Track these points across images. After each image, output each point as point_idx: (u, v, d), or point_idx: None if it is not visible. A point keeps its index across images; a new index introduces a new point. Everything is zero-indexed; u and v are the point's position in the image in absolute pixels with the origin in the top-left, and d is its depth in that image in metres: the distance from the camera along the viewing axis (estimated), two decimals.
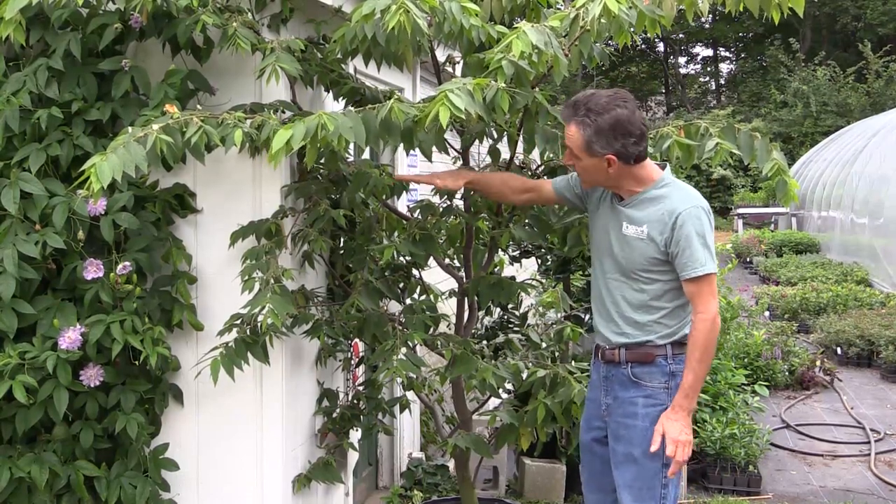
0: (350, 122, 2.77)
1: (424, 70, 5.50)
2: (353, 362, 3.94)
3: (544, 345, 4.05)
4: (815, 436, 6.71)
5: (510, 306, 4.93)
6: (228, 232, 3.31)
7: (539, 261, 5.80)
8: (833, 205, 16.54)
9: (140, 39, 3.35)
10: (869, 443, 6.47)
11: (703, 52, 41.46)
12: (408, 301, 3.71)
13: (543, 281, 5.42)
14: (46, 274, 3.23)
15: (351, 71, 3.70)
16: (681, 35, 37.16)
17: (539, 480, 5.18)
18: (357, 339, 3.75)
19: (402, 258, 3.64)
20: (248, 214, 3.37)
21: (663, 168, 3.05)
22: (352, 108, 2.99)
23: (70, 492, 3.24)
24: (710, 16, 32.58)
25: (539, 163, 3.65)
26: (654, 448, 2.94)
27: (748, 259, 16.88)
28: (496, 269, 3.92)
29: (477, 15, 3.01)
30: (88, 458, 3.28)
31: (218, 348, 3.14)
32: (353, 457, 4.05)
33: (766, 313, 10.28)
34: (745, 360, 7.56)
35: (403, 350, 3.28)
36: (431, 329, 3.56)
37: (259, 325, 3.09)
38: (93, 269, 3.12)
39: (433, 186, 3.42)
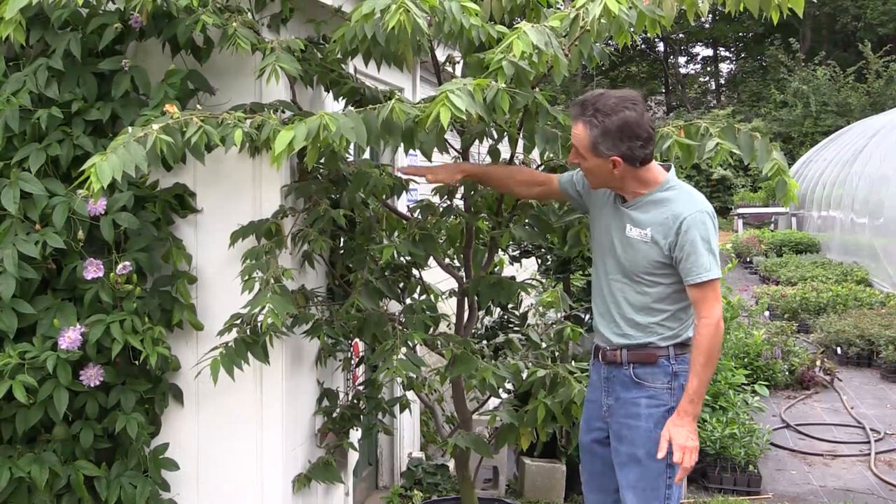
0: (351, 123, 2.77)
1: (424, 70, 5.49)
2: (353, 362, 3.94)
3: (544, 345, 4.05)
4: (815, 435, 6.71)
5: (510, 306, 4.93)
6: (228, 232, 3.31)
7: (539, 261, 5.80)
8: (833, 204, 16.54)
9: (140, 39, 3.35)
10: (869, 442, 6.47)
11: (703, 51, 41.47)
12: (408, 301, 3.71)
13: (543, 281, 5.42)
14: (46, 274, 3.23)
15: (351, 71, 3.70)
16: (681, 35, 37.15)
17: (539, 480, 5.18)
18: (357, 339, 3.76)
19: (402, 258, 3.64)
20: (248, 214, 3.37)
21: (668, 170, 3.04)
22: (352, 109, 2.99)
23: (70, 492, 3.24)
24: (710, 16, 32.58)
25: (539, 162, 3.65)
26: (660, 455, 2.94)
27: (748, 259, 16.88)
28: (496, 269, 3.92)
29: (477, 15, 3.01)
30: (88, 458, 3.28)
31: (218, 348, 3.14)
32: (353, 456, 4.05)
33: (766, 313, 10.28)
34: (745, 359, 7.57)
35: (403, 350, 3.28)
36: (431, 329, 3.56)
37: (259, 324, 3.09)
38: (93, 269, 3.12)
39: (435, 184, 3.42)
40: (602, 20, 2.91)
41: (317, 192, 3.38)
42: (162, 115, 2.98)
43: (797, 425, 6.92)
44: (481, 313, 4.10)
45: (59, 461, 3.21)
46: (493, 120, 2.97)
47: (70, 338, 3.05)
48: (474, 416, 3.87)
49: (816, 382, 8.07)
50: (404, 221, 3.62)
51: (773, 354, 7.87)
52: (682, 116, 27.66)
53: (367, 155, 4.32)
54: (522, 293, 3.68)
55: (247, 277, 3.15)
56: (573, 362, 3.79)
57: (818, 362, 8.24)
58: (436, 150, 3.13)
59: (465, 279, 3.66)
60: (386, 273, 3.65)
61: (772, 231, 19.24)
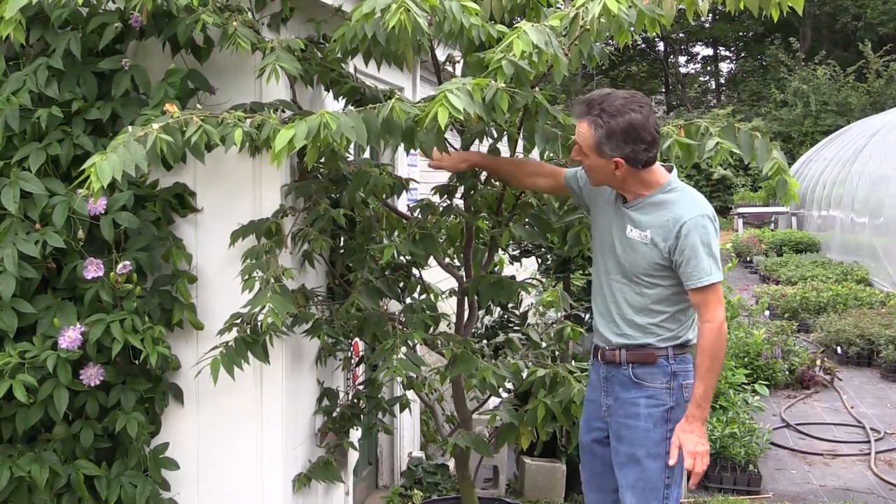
0: (352, 122, 2.77)
1: (424, 69, 5.49)
2: (353, 361, 3.94)
3: (544, 344, 4.05)
4: (815, 435, 6.71)
5: (510, 305, 4.94)
6: (228, 231, 3.31)
7: (539, 260, 5.80)
8: (833, 204, 16.54)
9: (140, 39, 3.35)
10: (869, 442, 6.47)
11: (703, 51, 41.47)
12: (408, 300, 3.71)
13: (543, 280, 5.42)
14: (46, 273, 3.23)
15: (351, 70, 3.70)
16: (681, 34, 37.14)
17: (539, 480, 5.18)
18: (357, 339, 3.76)
19: (402, 257, 3.64)
20: (249, 214, 3.37)
21: (670, 171, 3.03)
22: (352, 108, 2.99)
23: (70, 491, 3.24)
24: (710, 15, 32.60)
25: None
26: (672, 461, 2.95)
27: (748, 258, 16.88)
28: (496, 269, 3.92)
29: (477, 14, 3.01)
30: (88, 458, 3.28)
31: (218, 347, 3.14)
32: (353, 456, 4.05)
33: (766, 312, 10.28)
34: (746, 359, 7.57)
35: (403, 349, 3.28)
36: (431, 328, 3.56)
37: (259, 324, 3.09)
38: (93, 269, 3.12)
39: (438, 170, 3.41)
40: (602, 19, 2.90)
41: (317, 192, 3.38)
42: (162, 115, 2.98)
43: (797, 425, 6.92)
44: (481, 313, 4.11)
45: (60, 460, 3.21)
46: (492, 119, 2.97)
47: (70, 337, 3.05)
48: (474, 416, 3.87)
49: (816, 382, 8.07)
50: (404, 221, 3.62)
51: (773, 354, 7.87)
52: (682, 116, 27.64)
53: (366, 154, 4.32)
54: (522, 292, 3.68)
55: (247, 277, 3.15)
56: (573, 362, 3.79)
57: (818, 362, 8.24)
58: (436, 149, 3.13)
59: (465, 278, 3.66)
60: (386, 272, 3.65)
61: (772, 230, 19.24)
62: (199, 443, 3.49)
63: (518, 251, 5.47)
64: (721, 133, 3.20)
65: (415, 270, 3.77)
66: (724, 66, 41.04)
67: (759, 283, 13.83)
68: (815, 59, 28.81)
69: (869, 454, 6.23)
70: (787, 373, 7.98)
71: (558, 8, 3.33)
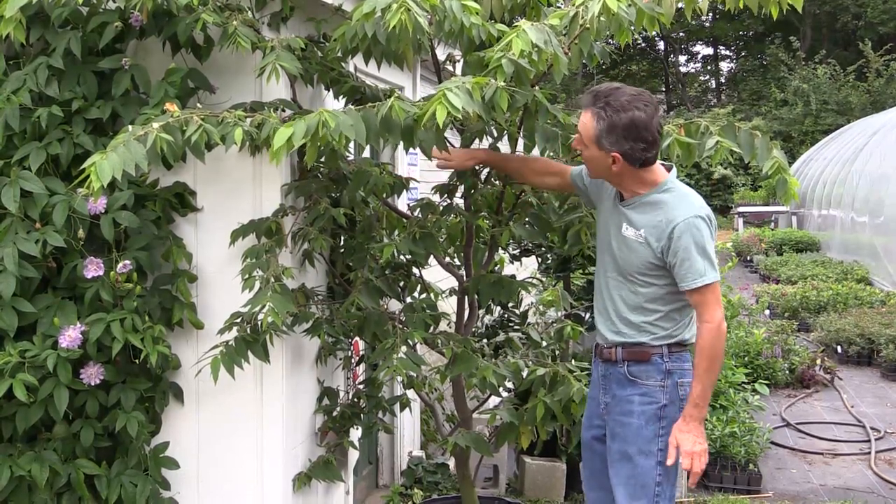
0: (351, 121, 2.77)
1: (425, 69, 5.49)
2: (353, 361, 3.94)
3: (544, 343, 4.05)
4: (815, 434, 6.71)
5: (510, 305, 4.93)
6: (229, 230, 3.31)
7: (539, 259, 5.80)
8: (833, 203, 16.54)
9: (140, 38, 3.35)
10: (869, 441, 6.47)
11: (703, 50, 41.48)
12: (408, 299, 3.71)
13: (544, 279, 5.42)
14: (47, 272, 3.23)
15: (351, 69, 3.70)
16: (681, 33, 37.15)
17: (539, 479, 5.18)
18: (357, 338, 3.76)
19: (402, 256, 3.64)
20: (249, 213, 3.37)
21: (669, 170, 3.03)
22: (352, 107, 2.99)
23: (70, 490, 3.24)
24: (711, 14, 32.61)
25: None
26: (669, 462, 2.94)
27: (748, 258, 16.88)
28: (496, 268, 3.91)
29: (477, 13, 3.01)
30: (89, 457, 3.28)
31: (218, 347, 3.14)
32: (353, 455, 4.06)
33: (767, 312, 10.28)
34: (746, 358, 7.57)
35: (404, 348, 3.28)
36: (432, 327, 3.56)
37: (259, 323, 3.09)
38: (93, 268, 3.12)
39: (446, 169, 3.40)
40: (601, 18, 2.90)
41: (317, 191, 3.37)
42: (162, 114, 2.98)
43: (797, 424, 6.92)
44: (481, 312, 4.10)
45: (60, 460, 3.21)
46: (492, 118, 2.97)
47: (70, 336, 3.05)
48: (474, 415, 3.87)
49: (817, 381, 8.07)
50: (404, 220, 3.62)
51: (773, 353, 7.87)
52: (682, 115, 27.62)
53: (366, 153, 4.32)
54: (523, 292, 3.68)
55: (247, 276, 3.15)
56: (573, 361, 3.79)
57: (818, 361, 8.24)
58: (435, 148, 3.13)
59: (465, 278, 3.66)
60: (386, 272, 3.65)
61: (772, 230, 19.24)
62: (199, 442, 3.49)
63: (518, 250, 5.47)
64: (721, 132, 3.20)
65: (415, 269, 3.77)
66: (725, 66, 41.07)
67: (760, 283, 13.84)
68: (815, 58, 28.81)
69: (869, 453, 6.23)
70: (787, 372, 7.98)
71: (558, 7, 3.33)
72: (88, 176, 2.66)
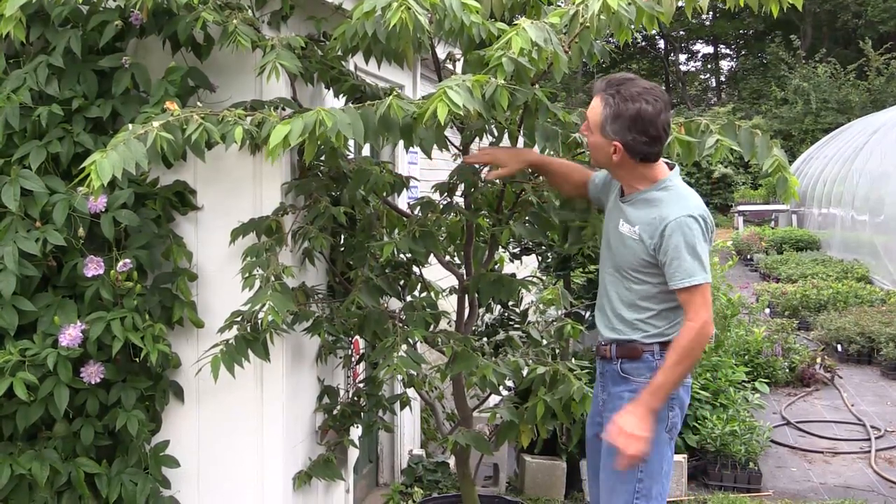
0: (348, 119, 2.77)
1: (425, 67, 5.49)
2: (353, 359, 3.94)
3: (545, 342, 4.04)
4: (815, 433, 6.71)
5: (510, 303, 4.93)
6: (229, 229, 3.31)
7: (539, 258, 5.80)
8: (833, 202, 16.54)
9: (140, 36, 3.35)
10: (869, 440, 6.47)
11: (703, 49, 41.49)
12: (408, 298, 3.71)
13: (544, 278, 5.42)
14: (47, 271, 3.23)
15: (351, 68, 3.70)
16: (681, 32, 37.15)
17: (539, 477, 5.18)
18: (357, 337, 3.75)
19: (402, 255, 3.63)
20: (249, 212, 3.37)
21: (672, 168, 3.01)
22: (351, 105, 2.99)
23: (71, 489, 3.24)
24: (711, 13, 32.61)
25: None
26: (606, 436, 2.92)
27: (748, 256, 16.88)
28: (496, 267, 3.92)
29: (477, 12, 3.01)
30: (89, 455, 3.28)
31: (218, 345, 3.14)
32: (353, 454, 4.06)
33: (767, 310, 10.28)
34: (746, 357, 7.58)
35: (404, 347, 3.28)
36: (432, 326, 3.56)
37: (259, 322, 3.09)
38: (93, 267, 3.12)
39: (498, 177, 3.33)
40: (601, 16, 2.90)
41: (317, 190, 3.37)
42: (162, 113, 2.98)
43: (797, 422, 6.92)
44: (482, 310, 4.10)
45: (60, 458, 3.22)
46: (492, 117, 2.97)
47: (70, 335, 3.05)
48: (475, 414, 3.87)
49: (817, 380, 8.07)
50: (405, 219, 3.62)
51: (773, 352, 7.88)
52: (682, 114, 27.60)
53: (367, 152, 4.32)
54: (523, 290, 3.68)
55: (247, 275, 3.15)
56: (573, 359, 3.79)
57: (818, 359, 8.24)
58: (435, 146, 3.13)
59: (465, 276, 3.66)
60: (386, 270, 3.65)
61: (772, 228, 19.24)
62: (199, 440, 3.49)
63: (518, 249, 5.47)
64: (721, 131, 3.20)
65: (415, 268, 3.76)
66: (725, 64, 41.09)
67: (760, 281, 13.83)
68: (815, 56, 28.81)
69: (869, 452, 6.23)
70: (787, 370, 7.98)
71: (558, 5, 3.33)
72: (89, 174, 2.66)
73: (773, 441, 6.31)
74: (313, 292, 3.52)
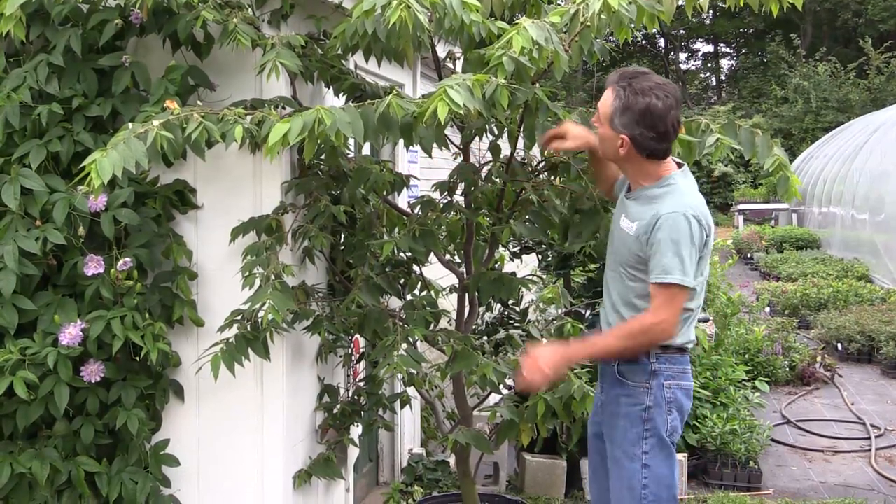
0: (348, 117, 2.77)
1: (425, 66, 5.49)
2: (353, 358, 3.94)
3: (545, 341, 4.04)
4: (815, 431, 6.71)
5: (511, 302, 4.93)
6: (229, 228, 3.31)
7: (539, 257, 5.80)
8: (834, 201, 16.54)
9: (140, 35, 3.35)
10: (869, 438, 6.48)
11: (703, 47, 41.48)
12: (408, 297, 3.71)
13: (544, 277, 5.42)
14: (47, 270, 3.23)
15: (351, 67, 3.70)
16: (681, 31, 37.15)
17: (539, 476, 5.18)
18: (357, 335, 3.76)
19: (402, 254, 3.63)
20: (249, 210, 3.37)
21: (680, 167, 2.97)
22: (350, 104, 2.99)
23: (71, 487, 3.24)
24: (711, 11, 32.60)
25: (540, 159, 3.64)
26: (522, 376, 2.93)
27: (749, 255, 16.89)
28: (497, 265, 3.92)
29: (477, 11, 3.01)
30: (89, 454, 3.28)
31: (218, 344, 3.14)
32: (353, 452, 4.06)
33: (767, 309, 10.28)
34: (746, 355, 7.58)
35: (404, 346, 3.28)
36: (432, 325, 3.56)
37: (260, 321, 3.09)
38: (93, 265, 3.12)
39: (564, 149, 3.24)
40: (602, 16, 2.90)
41: (317, 189, 3.37)
42: (162, 112, 2.98)
43: (797, 421, 6.92)
44: (482, 309, 4.09)
45: (60, 457, 3.22)
46: (492, 116, 2.96)
47: (71, 334, 3.05)
48: (475, 412, 3.87)
49: (817, 378, 8.07)
50: (405, 217, 3.62)
51: (773, 350, 7.88)
52: (682, 113, 27.62)
53: (367, 151, 4.32)
54: (523, 289, 3.68)
55: (247, 273, 3.15)
56: None
57: (819, 358, 8.25)
58: (435, 145, 3.13)
59: (465, 275, 3.66)
60: (386, 269, 3.65)
61: (772, 227, 19.24)
62: (199, 439, 3.50)
63: (518, 248, 5.47)
64: (722, 130, 3.19)
65: (415, 267, 3.76)
66: (725, 63, 41.08)
67: (760, 280, 13.83)
68: (815, 55, 28.81)
69: (869, 451, 6.23)
70: (787, 369, 7.98)
71: (559, 4, 3.33)
72: (89, 173, 2.66)
73: (773, 440, 6.32)
74: (313, 291, 3.52)
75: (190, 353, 3.43)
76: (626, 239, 2.94)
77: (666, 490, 2.95)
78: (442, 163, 5.15)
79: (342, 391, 3.93)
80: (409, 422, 5.25)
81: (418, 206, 3.58)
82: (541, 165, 3.64)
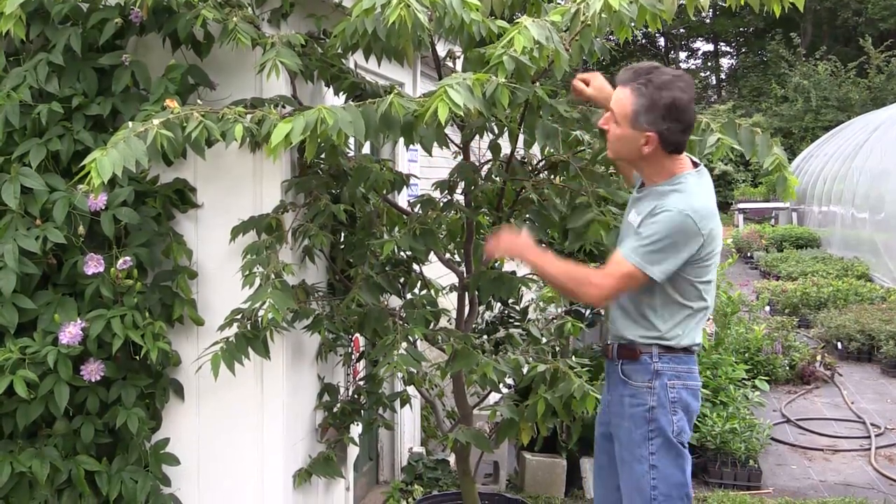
0: (349, 117, 2.77)
1: (425, 65, 5.49)
2: (353, 357, 3.94)
3: (545, 340, 4.05)
4: (815, 430, 6.72)
5: (511, 301, 4.93)
6: (229, 227, 3.31)
7: None
8: (834, 199, 16.55)
9: (140, 34, 3.34)
10: (869, 437, 6.48)
11: (703, 46, 41.48)
12: (408, 296, 3.71)
13: None
14: (47, 269, 3.23)
15: (351, 66, 3.70)
16: (681, 30, 37.14)
17: (539, 475, 5.18)
18: (357, 334, 3.76)
19: (402, 253, 3.63)
20: (249, 209, 3.37)
21: (696, 167, 2.93)
22: (351, 103, 2.99)
23: (71, 486, 3.24)
24: (711, 10, 32.56)
25: (540, 157, 3.64)
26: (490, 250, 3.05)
27: (749, 254, 16.90)
28: (497, 264, 3.92)
29: (477, 10, 3.01)
30: (89, 453, 3.28)
31: (218, 343, 3.14)
32: (353, 451, 4.06)
33: (767, 308, 10.29)
34: (746, 354, 7.58)
35: (404, 345, 3.28)
36: (432, 324, 3.56)
37: (260, 319, 3.09)
38: (93, 264, 3.12)
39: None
40: (603, 15, 2.90)
41: (317, 188, 3.37)
42: (162, 110, 2.98)
43: (797, 420, 6.93)
44: (482, 308, 4.09)
45: (60, 456, 3.22)
46: (492, 115, 2.96)
47: (70, 333, 3.05)
48: (475, 411, 3.87)
49: (817, 377, 8.07)
50: (405, 216, 3.62)
51: (773, 349, 7.88)
52: None
53: (367, 150, 4.32)
54: (523, 288, 3.68)
55: (247, 272, 3.15)
56: (573, 357, 3.78)
57: (818, 357, 8.25)
58: (436, 144, 3.13)
59: (465, 274, 3.66)
60: (386, 268, 3.65)
61: (772, 226, 19.25)
62: (199, 438, 3.50)
63: None
64: (722, 129, 3.19)
65: (415, 266, 3.77)
66: (725, 62, 41.06)
67: (760, 279, 13.83)
68: (815, 54, 28.81)
69: (869, 449, 6.23)
70: (787, 368, 7.98)
71: (559, 3, 3.33)
72: (89, 172, 2.66)
73: (773, 438, 6.31)
74: (313, 290, 3.52)
75: (190, 351, 3.43)
76: (630, 230, 2.92)
77: (676, 490, 2.92)
78: (442, 161, 5.15)
79: (342, 390, 3.93)
80: (409, 421, 5.25)
81: (418, 205, 3.58)
82: (541, 164, 3.64)
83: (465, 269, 3.68)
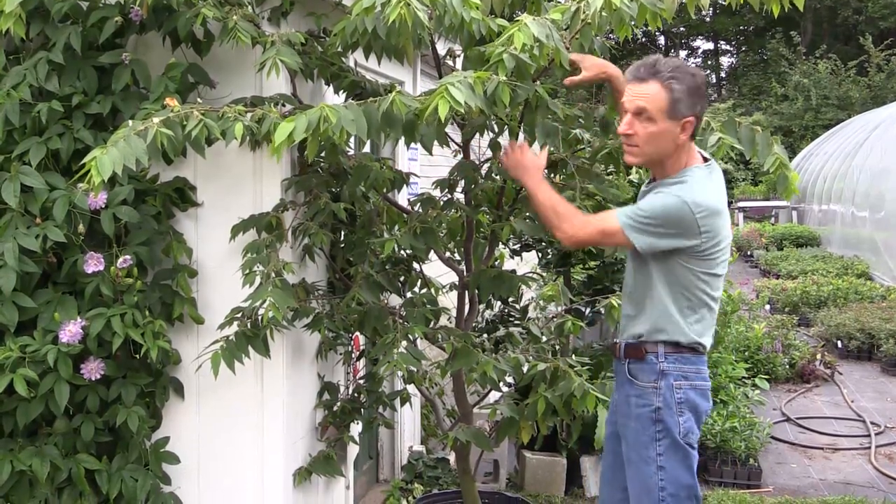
0: (352, 115, 2.76)
1: (425, 63, 5.49)
2: (353, 356, 3.95)
3: (545, 338, 4.04)
4: (815, 429, 6.72)
5: (511, 300, 4.93)
6: (229, 225, 3.31)
7: (539, 254, 5.80)
8: (834, 198, 16.54)
9: (140, 33, 3.34)
10: (869, 436, 6.48)
11: (703, 45, 41.45)
12: (408, 294, 3.71)
13: (544, 274, 5.42)
14: (47, 267, 3.23)
15: (351, 64, 3.70)
16: (682, 28, 37.10)
17: (539, 474, 5.18)
18: (358, 333, 3.76)
19: (402, 251, 3.63)
20: (249, 208, 3.37)
21: (706, 161, 2.94)
22: (353, 102, 2.99)
23: (71, 485, 3.24)
24: (711, 9, 32.53)
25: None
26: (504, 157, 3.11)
27: (749, 252, 16.90)
28: (497, 263, 3.92)
29: (477, 8, 3.01)
30: (89, 452, 3.28)
31: (219, 342, 3.14)
32: (353, 450, 4.06)
33: (767, 307, 10.29)
34: (746, 353, 7.59)
35: (404, 343, 3.28)
36: (432, 322, 3.56)
37: (260, 318, 3.09)
38: (93, 263, 3.12)
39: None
40: (603, 13, 2.90)
41: (317, 186, 3.37)
42: (162, 109, 2.98)
43: (797, 419, 6.93)
44: (482, 307, 4.10)
45: (60, 455, 3.22)
46: (493, 113, 2.96)
47: (71, 331, 3.05)
48: (475, 410, 3.87)
49: (817, 376, 8.08)
50: (405, 215, 3.62)
51: (773, 348, 7.88)
52: None
53: (367, 148, 4.32)
54: (523, 287, 3.68)
55: (247, 271, 3.15)
56: (574, 356, 3.78)
57: (818, 356, 8.25)
58: (436, 142, 3.12)
59: (465, 273, 3.66)
60: (386, 267, 3.65)
61: (772, 225, 19.26)
62: (199, 437, 3.50)
63: (519, 245, 5.47)
64: (723, 128, 3.19)
65: (415, 264, 3.77)
66: (725, 60, 41.04)
67: (760, 278, 13.84)
68: (815, 53, 28.79)
69: (869, 448, 6.24)
70: (787, 367, 7.99)
71: (559, 2, 3.33)
72: (89, 171, 2.66)
73: (773, 437, 6.32)
74: (313, 289, 3.52)
75: (190, 350, 3.43)
76: None
77: (685, 490, 2.91)
78: (442, 160, 5.15)
79: (342, 388, 3.93)
80: (409, 419, 5.25)
81: (418, 204, 3.58)
82: None
83: (465, 267, 3.68)
